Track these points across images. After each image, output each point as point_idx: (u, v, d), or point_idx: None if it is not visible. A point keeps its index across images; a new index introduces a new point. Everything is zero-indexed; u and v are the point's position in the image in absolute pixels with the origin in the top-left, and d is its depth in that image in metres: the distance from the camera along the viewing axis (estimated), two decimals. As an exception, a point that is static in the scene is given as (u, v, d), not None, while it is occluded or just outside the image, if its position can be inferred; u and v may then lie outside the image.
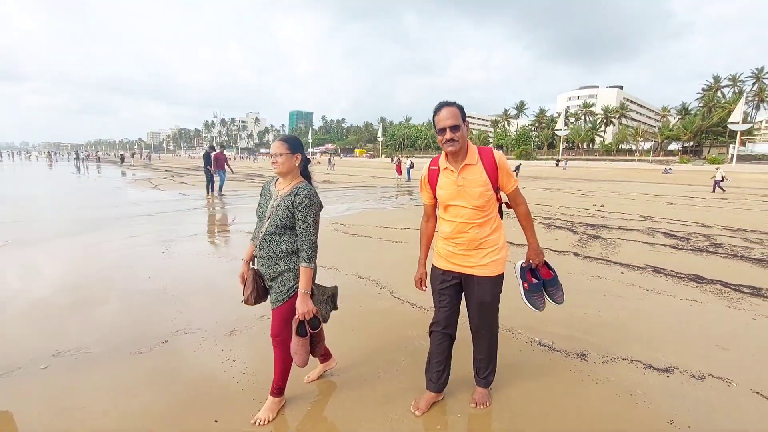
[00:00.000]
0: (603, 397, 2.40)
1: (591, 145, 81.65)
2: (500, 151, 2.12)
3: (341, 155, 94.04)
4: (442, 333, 2.23)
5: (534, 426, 2.16)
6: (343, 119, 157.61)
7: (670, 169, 37.65)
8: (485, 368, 2.32)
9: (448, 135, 1.99)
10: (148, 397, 2.38)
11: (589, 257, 5.62)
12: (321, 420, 2.22)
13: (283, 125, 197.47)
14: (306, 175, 2.23)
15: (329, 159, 43.81)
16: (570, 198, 13.69)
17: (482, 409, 2.27)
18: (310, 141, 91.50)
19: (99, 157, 60.51)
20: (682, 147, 66.15)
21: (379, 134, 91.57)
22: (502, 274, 2.17)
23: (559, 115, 74.27)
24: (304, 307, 2.04)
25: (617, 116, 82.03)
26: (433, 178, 2.18)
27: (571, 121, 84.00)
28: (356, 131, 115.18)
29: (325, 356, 2.57)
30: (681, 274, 4.85)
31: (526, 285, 2.29)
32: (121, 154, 49.88)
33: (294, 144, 2.14)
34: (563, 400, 2.38)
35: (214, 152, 13.35)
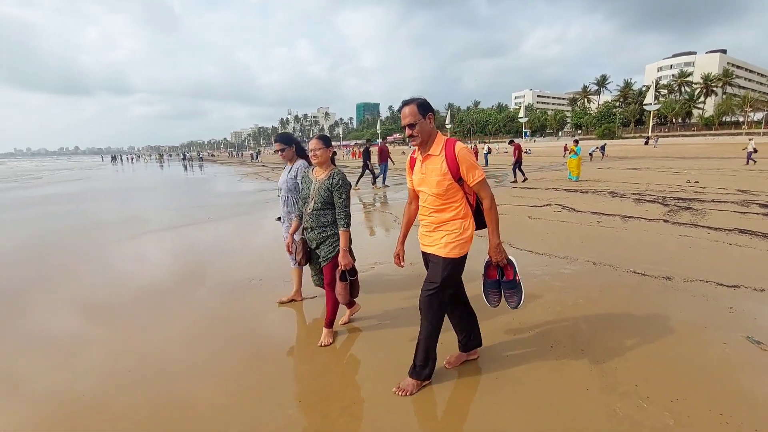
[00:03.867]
0: (683, 299, 3.53)
1: (687, 120, 73.51)
2: (464, 145, 2.23)
3: (409, 144, 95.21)
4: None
5: (635, 317, 3.38)
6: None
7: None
8: (420, 357, 2.33)
9: (407, 131, 2.23)
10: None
11: (678, 223, 6.40)
12: (354, 348, 2.91)
13: (351, 118, 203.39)
14: (334, 162, 2.95)
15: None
16: (661, 176, 13.62)
17: (402, 395, 2.30)
18: (378, 132, 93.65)
19: (202, 157, 68.28)
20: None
21: (447, 121, 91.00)
22: (457, 259, 2.24)
23: (648, 87, 67.86)
24: (345, 260, 2.71)
25: (720, 84, 72.64)
26: (411, 165, 2.41)
27: (662, 93, 76.19)
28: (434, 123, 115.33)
29: (351, 304, 3.25)
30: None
31: (483, 279, 2.49)
32: (251, 153, 57.66)
33: (327, 141, 2.86)
34: (654, 299, 3.56)
35: (376, 145, 13.98)
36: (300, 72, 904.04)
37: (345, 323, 3.27)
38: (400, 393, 2.31)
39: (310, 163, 3.35)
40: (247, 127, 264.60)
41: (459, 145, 2.20)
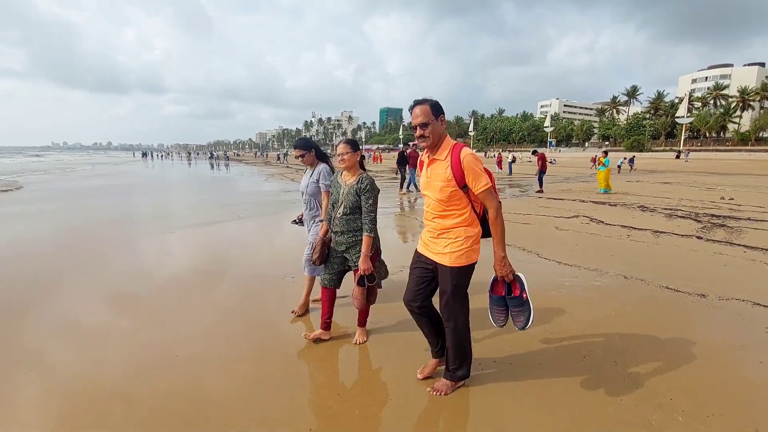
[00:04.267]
0: (719, 317, 3.49)
1: (722, 134, 70.82)
2: (471, 151, 2.15)
3: (413, 147, 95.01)
4: (409, 306, 2.42)
5: (669, 332, 3.37)
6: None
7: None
8: (452, 360, 2.35)
9: (418, 132, 2.18)
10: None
11: (712, 240, 6.26)
12: (371, 351, 2.95)
13: (374, 122, 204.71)
14: (362, 167, 2.92)
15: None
16: (693, 191, 13.25)
17: (436, 396, 2.32)
18: (401, 137, 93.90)
19: (228, 156, 69.94)
20: None
21: (471, 128, 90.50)
22: (465, 267, 2.21)
23: (681, 100, 65.80)
24: (364, 264, 2.68)
25: (758, 99, 69.74)
26: (421, 166, 2.39)
27: (696, 106, 73.74)
28: (446, 126, 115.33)
29: (364, 318, 3.11)
30: (808, 255, 5.34)
31: (488, 295, 2.36)
32: (278, 154, 59.24)
33: (354, 145, 2.86)
34: (688, 315, 3.53)
35: (409, 150, 14.05)
36: (325, 75, 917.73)
37: (308, 338, 3.07)
38: (434, 393, 2.33)
39: (331, 167, 3.39)
40: (272, 128, 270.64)
41: (465, 151, 2.13)
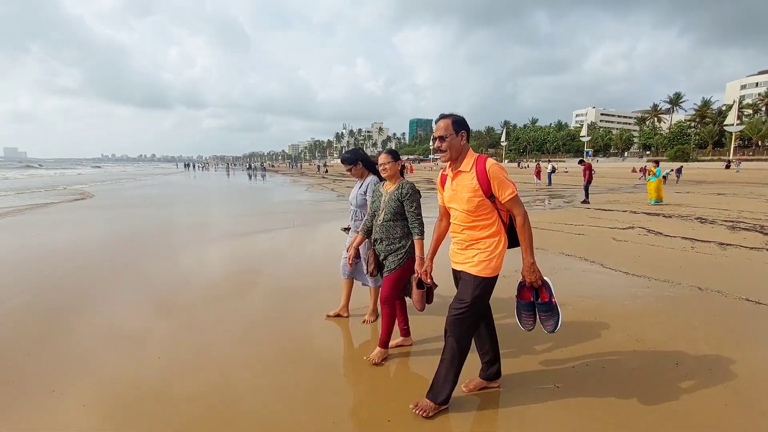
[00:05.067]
0: (809, 331, 3.41)
1: (776, 142, 66.41)
2: (495, 161, 2.19)
3: (432, 159, 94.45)
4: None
5: (758, 341, 3.32)
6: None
7: None
8: (441, 377, 2.26)
9: (436, 144, 2.25)
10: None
11: (786, 253, 6.00)
12: (400, 373, 2.80)
13: (404, 133, 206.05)
14: (403, 175, 2.96)
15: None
16: (752, 203, 12.60)
17: (417, 413, 2.24)
18: (431, 148, 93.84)
19: (265, 167, 72.19)
20: None
21: (503, 138, 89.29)
22: (489, 278, 2.20)
23: (729, 107, 62.43)
24: (421, 267, 2.59)
25: (818, 104, 65.10)
26: (442, 182, 2.39)
27: (746, 113, 69.67)
28: (477, 136, 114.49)
29: (407, 332, 3.15)
30: None
31: (516, 300, 2.37)
32: (317, 165, 61.31)
33: (395, 155, 2.90)
34: (774, 329, 3.46)
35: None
36: (356, 88, 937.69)
37: (393, 346, 3.09)
38: (417, 411, 2.25)
39: (380, 177, 3.24)
40: (304, 140, 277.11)
41: (490, 161, 2.17)
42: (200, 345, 3.26)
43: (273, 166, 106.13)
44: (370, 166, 3.40)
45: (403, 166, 3.01)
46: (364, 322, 3.61)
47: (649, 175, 12.87)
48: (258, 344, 3.27)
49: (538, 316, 2.31)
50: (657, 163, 13.26)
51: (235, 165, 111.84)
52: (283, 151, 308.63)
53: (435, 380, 2.30)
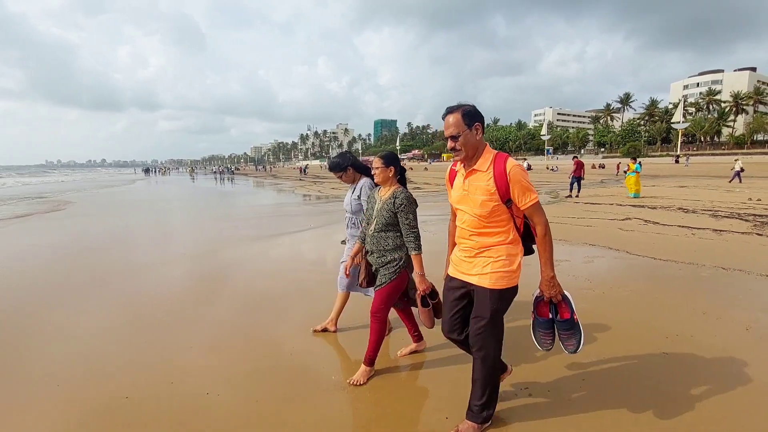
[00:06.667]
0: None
1: (716, 138, 72.56)
2: (516, 162, 1.94)
3: (429, 160, 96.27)
4: (450, 338, 2.20)
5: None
6: (428, 125, 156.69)
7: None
8: (478, 396, 2.07)
9: (450, 144, 1.96)
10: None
11: (773, 236, 6.75)
12: (396, 393, 2.53)
13: (369, 134, 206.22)
14: (402, 182, 2.68)
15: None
16: (715, 194, 13.75)
17: None
18: (398, 148, 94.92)
19: (233, 171, 69.96)
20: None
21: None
22: (507, 290, 1.99)
23: (675, 106, 67.51)
24: (423, 284, 2.47)
25: (751, 103, 71.76)
26: (451, 178, 2.16)
27: (690, 111, 75.57)
28: (442, 136, 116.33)
29: (419, 338, 3.03)
30: None
31: (533, 316, 2.14)
32: (299, 167, 59.64)
33: (388, 159, 2.60)
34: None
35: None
36: (319, 89, 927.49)
37: (403, 355, 2.98)
38: None
39: (373, 179, 2.96)
40: (267, 142, 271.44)
41: (511, 162, 1.92)
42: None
43: (238, 169, 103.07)
44: (361, 169, 3.20)
45: (403, 170, 2.73)
46: (314, 331, 3.40)
47: (628, 171, 13.85)
48: (236, 357, 3.07)
49: (557, 335, 2.09)
50: (635, 159, 14.27)
51: (196, 169, 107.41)
52: (245, 153, 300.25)
53: (473, 398, 2.10)
